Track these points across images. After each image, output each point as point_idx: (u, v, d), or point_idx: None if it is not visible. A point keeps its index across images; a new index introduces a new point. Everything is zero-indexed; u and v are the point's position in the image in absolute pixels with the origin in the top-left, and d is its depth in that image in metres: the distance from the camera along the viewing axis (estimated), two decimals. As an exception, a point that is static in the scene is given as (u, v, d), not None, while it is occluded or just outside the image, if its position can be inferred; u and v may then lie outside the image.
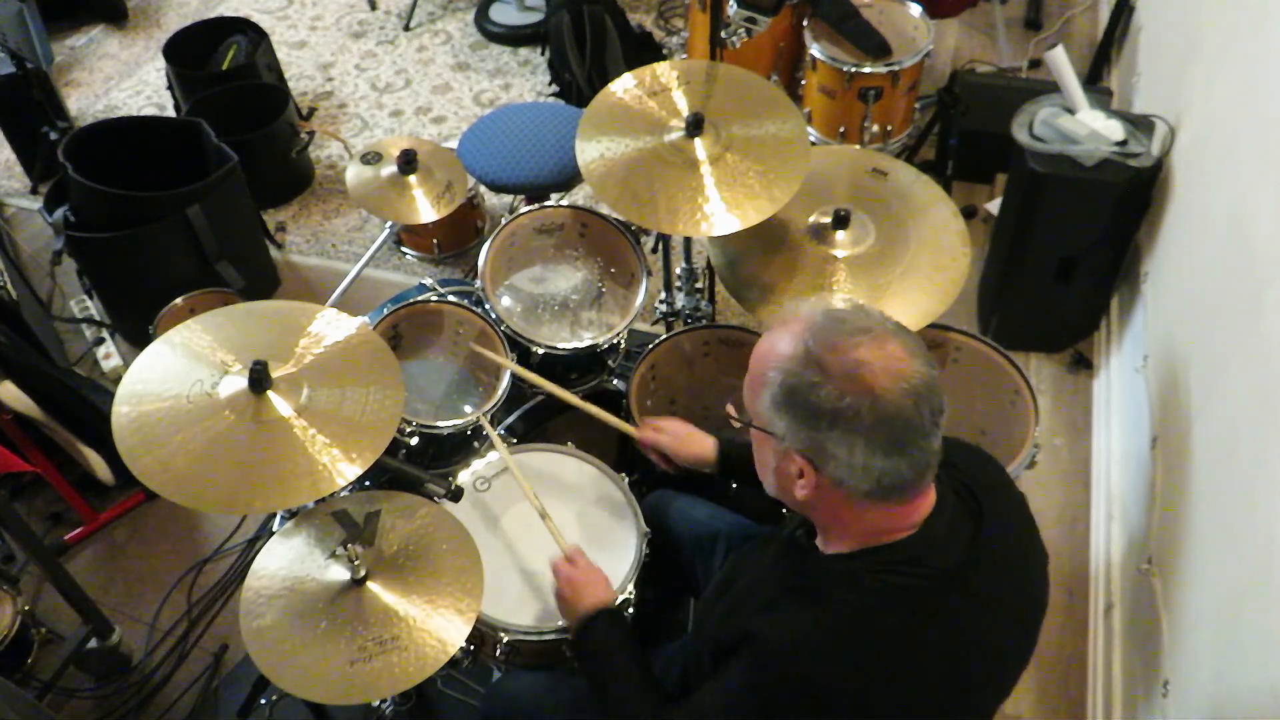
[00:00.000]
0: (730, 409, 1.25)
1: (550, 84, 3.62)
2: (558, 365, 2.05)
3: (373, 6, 4.14)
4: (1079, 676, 2.08)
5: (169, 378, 1.51)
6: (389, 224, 2.73)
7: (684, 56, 3.59)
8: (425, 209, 2.33)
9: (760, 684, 1.14)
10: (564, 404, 2.11)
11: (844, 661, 1.11)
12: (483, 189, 3.01)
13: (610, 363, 2.10)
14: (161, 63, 3.54)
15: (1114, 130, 2.32)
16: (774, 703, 1.13)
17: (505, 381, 1.94)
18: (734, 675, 1.17)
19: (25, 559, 2.32)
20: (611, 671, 1.43)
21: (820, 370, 1.06)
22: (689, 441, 1.69)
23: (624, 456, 2.18)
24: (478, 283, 2.04)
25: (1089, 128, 2.32)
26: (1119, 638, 2.02)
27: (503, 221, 2.11)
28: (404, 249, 3.08)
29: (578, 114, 2.18)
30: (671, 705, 1.32)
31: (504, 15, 3.91)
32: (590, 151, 1.88)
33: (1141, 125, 2.33)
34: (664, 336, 2.10)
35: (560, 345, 2.01)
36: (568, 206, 2.17)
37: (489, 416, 1.91)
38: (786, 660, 1.12)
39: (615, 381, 2.14)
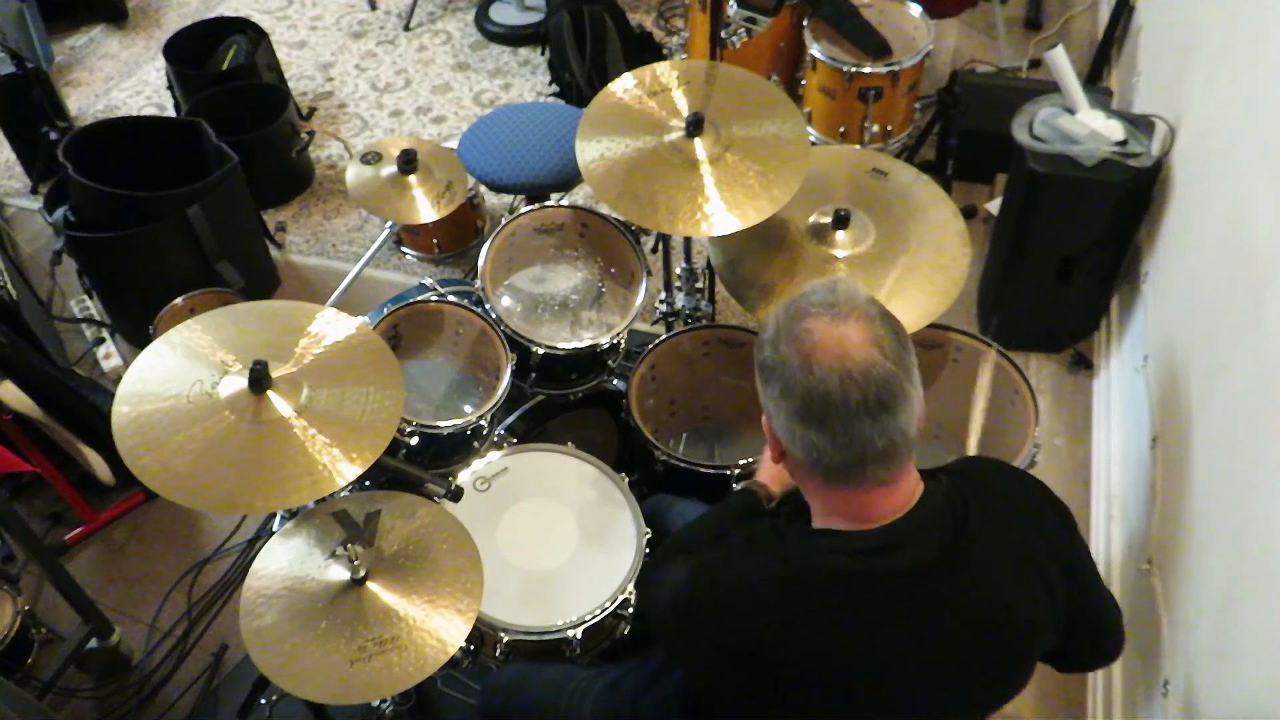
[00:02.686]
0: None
1: (550, 84, 3.62)
2: (557, 365, 2.05)
3: (373, 6, 4.14)
4: (1079, 676, 2.08)
5: (169, 378, 1.51)
6: (389, 224, 2.73)
7: (684, 56, 3.59)
8: (425, 209, 2.33)
9: (689, 595, 1.20)
10: (564, 404, 2.11)
11: (762, 612, 1.15)
12: (483, 189, 3.01)
13: (610, 363, 2.10)
14: (161, 63, 3.54)
15: (1114, 130, 2.32)
16: (692, 617, 1.20)
17: (505, 381, 1.94)
18: (678, 572, 1.23)
19: (25, 559, 2.33)
20: (697, 522, 1.52)
21: (776, 331, 1.14)
22: None
23: (624, 457, 2.18)
24: (478, 283, 2.04)
25: (1089, 128, 2.32)
26: (1119, 638, 2.02)
27: (503, 221, 2.11)
28: (404, 249, 3.08)
29: (578, 114, 2.18)
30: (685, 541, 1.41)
31: (504, 15, 3.91)
32: (590, 151, 1.88)
33: (1141, 125, 2.33)
34: (664, 336, 2.10)
35: (560, 345, 2.01)
36: (568, 206, 2.17)
37: (491, 414, 1.91)
38: (712, 590, 1.19)
39: (615, 381, 2.14)
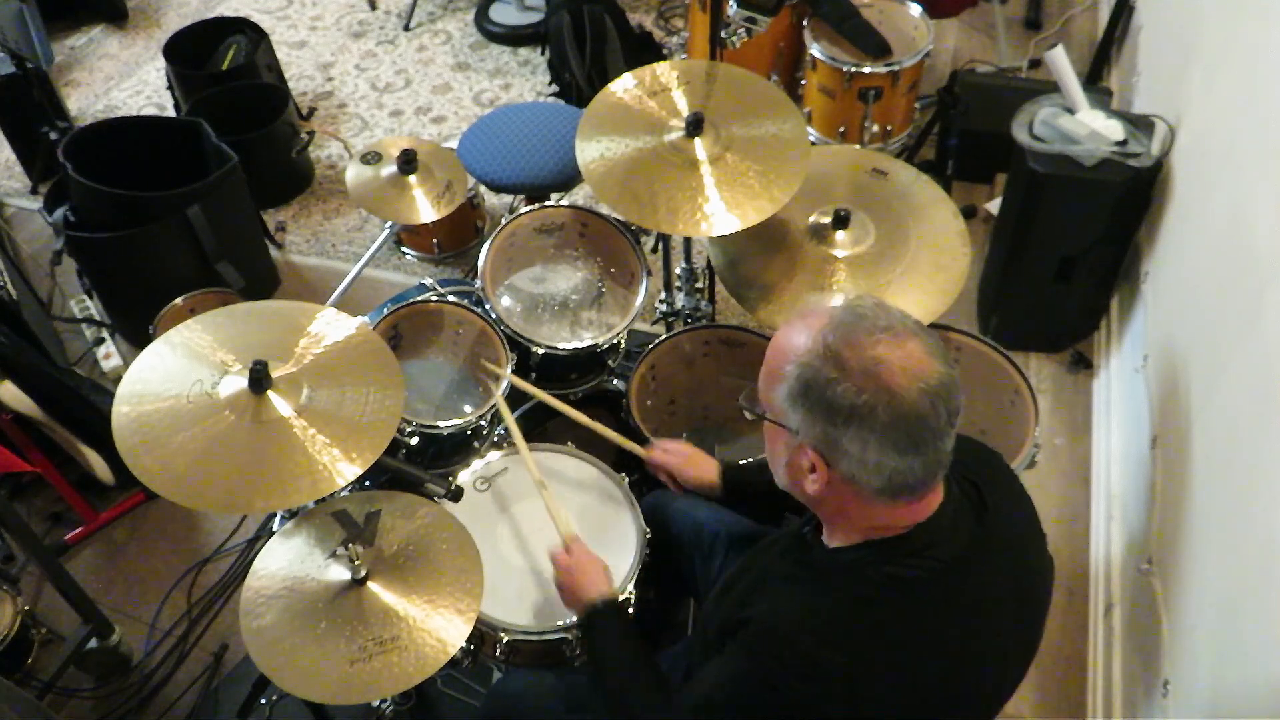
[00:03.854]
0: (743, 401, 1.24)
1: (550, 84, 3.62)
2: (557, 365, 2.05)
3: (373, 6, 4.14)
4: (1079, 676, 2.08)
5: (169, 378, 1.51)
6: (389, 224, 2.73)
7: (684, 56, 3.59)
8: (425, 209, 2.33)
9: (757, 666, 1.14)
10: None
11: (842, 644, 1.11)
12: (483, 189, 3.01)
13: (610, 363, 2.10)
14: (161, 63, 3.54)
15: (1114, 130, 2.31)
16: (773, 683, 1.12)
17: (505, 382, 1.94)
18: (732, 656, 1.18)
19: (25, 559, 2.32)
20: (614, 663, 1.44)
21: (839, 366, 1.06)
22: (694, 463, 1.70)
23: (623, 456, 2.18)
24: (478, 283, 2.04)
25: (1089, 128, 2.32)
26: (1119, 638, 2.02)
27: (503, 221, 2.11)
28: (404, 249, 3.08)
29: (578, 114, 2.17)
30: (673, 693, 1.32)
31: (504, 15, 3.91)
32: (590, 151, 1.88)
33: (1141, 125, 2.33)
34: (664, 336, 2.10)
35: (560, 345, 2.01)
36: (568, 206, 2.17)
37: (491, 414, 1.91)
38: (783, 641, 1.13)
39: (615, 381, 2.14)
